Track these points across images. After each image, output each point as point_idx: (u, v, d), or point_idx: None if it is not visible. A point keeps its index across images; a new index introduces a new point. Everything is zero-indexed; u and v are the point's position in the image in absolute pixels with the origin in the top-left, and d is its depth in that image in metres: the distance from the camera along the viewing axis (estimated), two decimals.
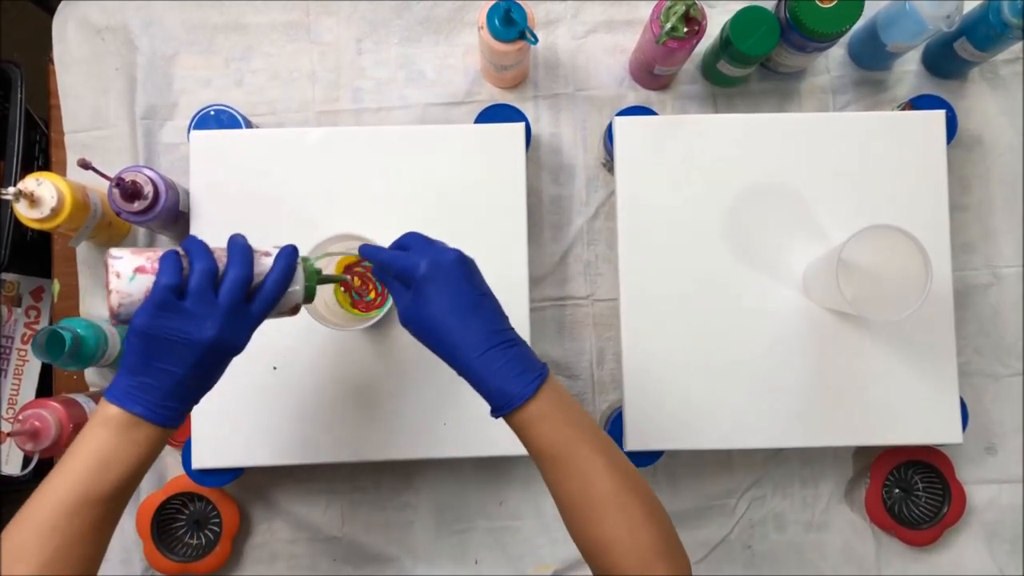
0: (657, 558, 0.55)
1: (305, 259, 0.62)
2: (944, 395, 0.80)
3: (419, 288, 0.58)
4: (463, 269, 0.59)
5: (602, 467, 0.56)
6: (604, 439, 0.58)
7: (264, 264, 0.58)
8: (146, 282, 0.54)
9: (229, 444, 0.79)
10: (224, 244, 0.58)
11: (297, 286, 0.60)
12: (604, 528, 0.55)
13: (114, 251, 0.55)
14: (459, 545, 0.88)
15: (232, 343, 0.56)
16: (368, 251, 0.62)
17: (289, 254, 0.59)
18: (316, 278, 0.62)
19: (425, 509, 0.87)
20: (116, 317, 0.55)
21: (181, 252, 0.56)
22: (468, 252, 0.61)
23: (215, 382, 0.58)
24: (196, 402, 0.57)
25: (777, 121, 0.83)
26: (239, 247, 0.57)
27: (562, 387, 0.59)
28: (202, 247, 0.56)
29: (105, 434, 0.53)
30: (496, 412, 0.57)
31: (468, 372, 0.57)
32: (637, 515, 0.55)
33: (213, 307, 0.54)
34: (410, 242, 0.62)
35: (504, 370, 0.56)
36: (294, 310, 0.62)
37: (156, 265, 0.55)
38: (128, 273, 0.54)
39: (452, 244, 0.60)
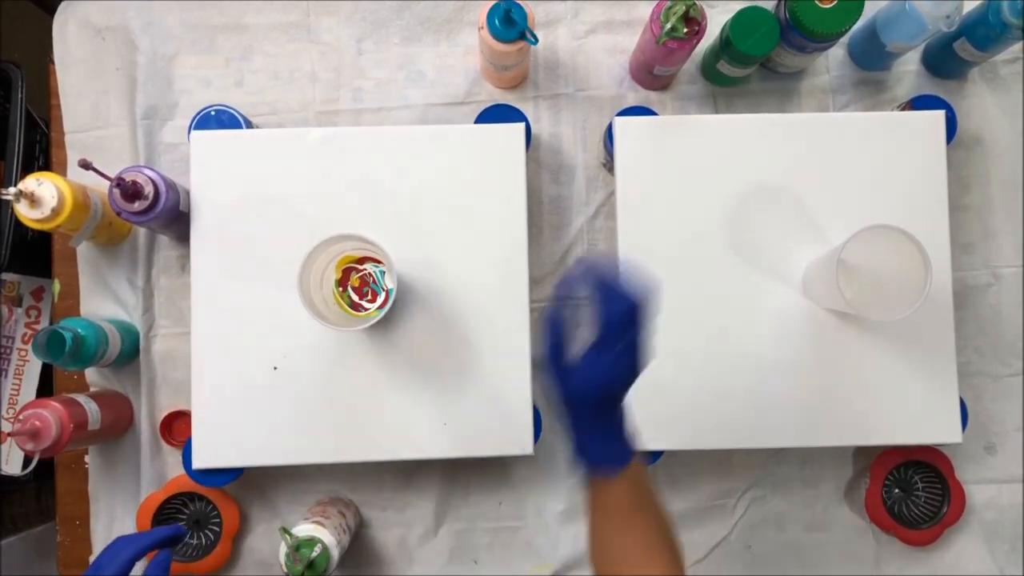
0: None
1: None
2: (944, 395, 0.80)
3: (621, 345, 0.61)
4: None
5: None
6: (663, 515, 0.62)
7: None
8: None
9: (229, 444, 0.79)
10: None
11: None
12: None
13: None
14: (459, 545, 0.88)
15: None
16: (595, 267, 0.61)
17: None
18: None
19: (425, 509, 0.87)
20: None
21: None
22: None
23: None
24: None
25: (777, 121, 0.83)
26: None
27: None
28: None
29: None
30: (618, 464, 0.60)
31: (608, 424, 0.61)
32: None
33: None
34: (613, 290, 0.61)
35: (625, 430, 0.62)
36: None
37: None
38: None
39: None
